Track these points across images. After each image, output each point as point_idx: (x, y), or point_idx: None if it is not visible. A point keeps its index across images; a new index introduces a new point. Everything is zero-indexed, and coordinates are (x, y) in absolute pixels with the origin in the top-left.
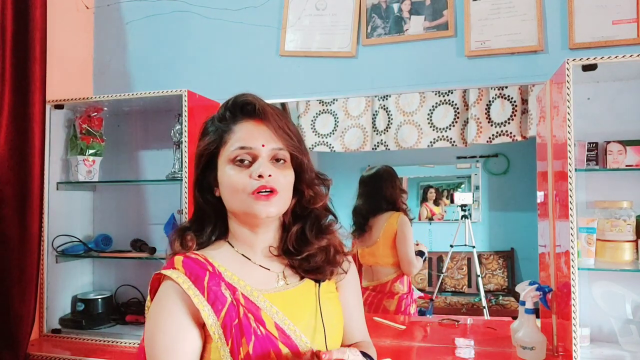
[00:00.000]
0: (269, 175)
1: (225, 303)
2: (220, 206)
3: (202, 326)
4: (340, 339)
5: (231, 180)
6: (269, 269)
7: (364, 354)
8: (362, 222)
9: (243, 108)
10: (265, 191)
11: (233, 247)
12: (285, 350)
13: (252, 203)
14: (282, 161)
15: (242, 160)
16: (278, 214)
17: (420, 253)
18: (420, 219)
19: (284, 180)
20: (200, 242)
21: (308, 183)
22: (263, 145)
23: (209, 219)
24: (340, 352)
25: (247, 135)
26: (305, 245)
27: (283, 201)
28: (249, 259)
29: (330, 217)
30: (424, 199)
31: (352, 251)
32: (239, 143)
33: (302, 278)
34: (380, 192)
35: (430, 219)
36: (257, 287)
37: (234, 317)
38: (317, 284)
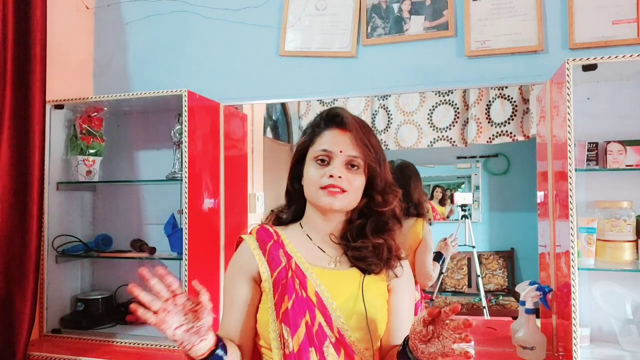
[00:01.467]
0: (339, 177)
1: (279, 265)
2: (303, 193)
3: (259, 282)
4: (381, 335)
5: (310, 174)
6: (324, 252)
7: None
8: None
9: (333, 118)
10: (334, 189)
11: (302, 228)
12: (319, 316)
13: (321, 196)
14: (355, 167)
15: (322, 160)
16: (342, 209)
17: (438, 256)
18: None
19: (354, 183)
20: (283, 219)
21: (378, 190)
22: (341, 151)
23: (294, 202)
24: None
25: (330, 140)
26: (361, 237)
27: (348, 200)
28: (311, 239)
29: (395, 222)
30: (430, 198)
31: (407, 257)
32: (323, 146)
33: (351, 267)
34: (407, 193)
35: (430, 219)
36: (310, 261)
37: (283, 278)
38: (363, 275)
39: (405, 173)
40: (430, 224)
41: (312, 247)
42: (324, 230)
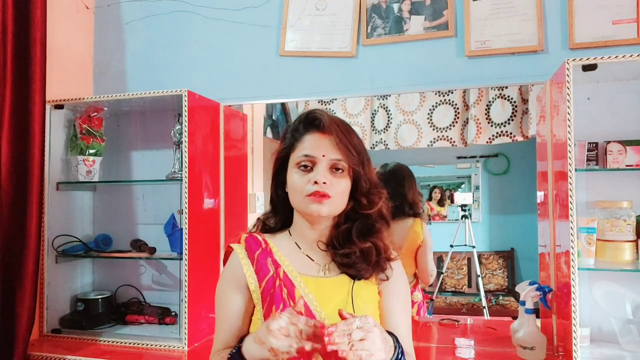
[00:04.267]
0: (324, 183)
1: (267, 274)
2: (288, 200)
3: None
4: None
5: (294, 182)
6: (313, 260)
7: (390, 333)
8: None
9: (313, 122)
10: (320, 196)
11: (291, 235)
12: None
13: (308, 203)
14: (340, 170)
15: (305, 166)
16: (329, 215)
17: None
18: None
19: (339, 187)
20: (269, 228)
21: (363, 192)
22: (323, 155)
23: (279, 210)
24: (347, 323)
25: (311, 145)
26: (348, 243)
27: (335, 205)
28: (299, 248)
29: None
30: (429, 199)
31: (397, 257)
32: (304, 151)
33: (341, 273)
34: (402, 194)
35: (430, 217)
36: (298, 270)
37: (271, 287)
38: (353, 280)
39: (399, 175)
40: (429, 224)
41: (300, 255)
42: (312, 238)
